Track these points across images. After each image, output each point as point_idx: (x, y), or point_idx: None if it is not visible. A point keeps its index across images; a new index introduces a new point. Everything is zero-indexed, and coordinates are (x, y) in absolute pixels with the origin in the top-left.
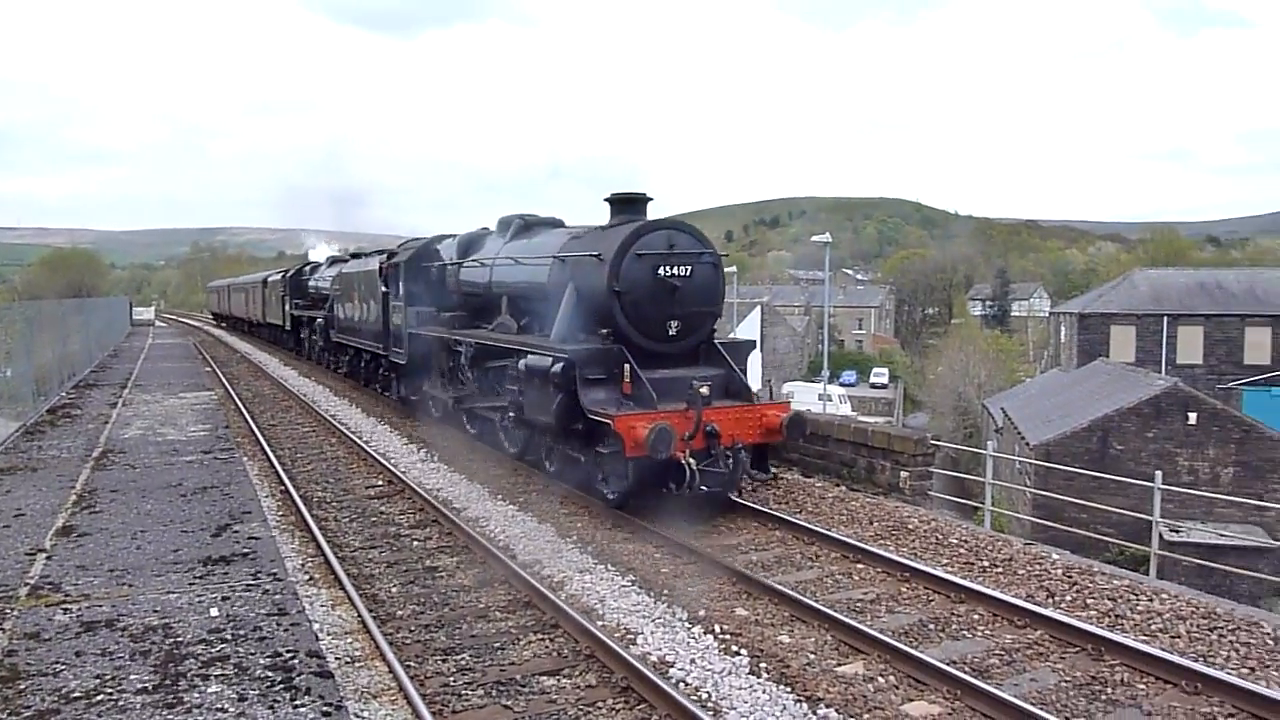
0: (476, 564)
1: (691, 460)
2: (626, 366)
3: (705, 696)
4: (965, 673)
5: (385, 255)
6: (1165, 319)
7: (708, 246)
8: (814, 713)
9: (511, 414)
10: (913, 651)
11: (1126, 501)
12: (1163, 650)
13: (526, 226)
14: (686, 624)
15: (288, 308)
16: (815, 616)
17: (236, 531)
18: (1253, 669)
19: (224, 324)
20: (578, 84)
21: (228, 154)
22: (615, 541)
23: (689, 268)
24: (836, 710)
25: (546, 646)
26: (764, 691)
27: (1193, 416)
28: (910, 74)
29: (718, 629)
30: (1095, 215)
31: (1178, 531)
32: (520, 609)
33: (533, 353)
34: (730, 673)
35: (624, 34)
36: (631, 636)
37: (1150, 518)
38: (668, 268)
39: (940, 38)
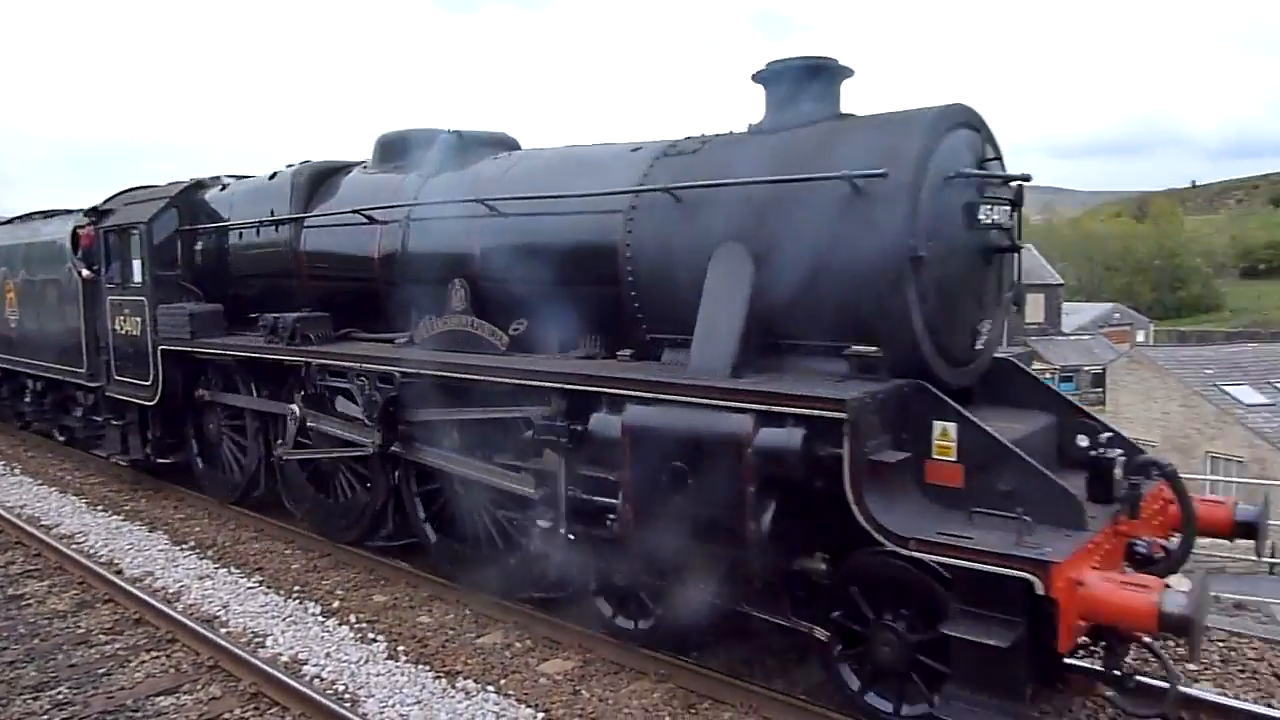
0: (74, 585)
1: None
2: (945, 428)
3: (342, 689)
4: (598, 631)
5: (86, 215)
6: None
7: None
8: (453, 686)
9: (552, 521)
10: (545, 616)
11: None
12: None
13: (464, 147)
14: (320, 618)
15: None
16: (451, 594)
17: None
18: None
19: None
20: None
21: None
22: (240, 542)
23: (1007, 209)
24: (475, 680)
25: (162, 664)
26: (403, 674)
27: None
28: (536, 57)
29: (354, 619)
30: None
31: None
32: (130, 627)
33: (676, 399)
34: (367, 660)
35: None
36: (260, 639)
37: None
38: (989, 209)
39: (559, 27)
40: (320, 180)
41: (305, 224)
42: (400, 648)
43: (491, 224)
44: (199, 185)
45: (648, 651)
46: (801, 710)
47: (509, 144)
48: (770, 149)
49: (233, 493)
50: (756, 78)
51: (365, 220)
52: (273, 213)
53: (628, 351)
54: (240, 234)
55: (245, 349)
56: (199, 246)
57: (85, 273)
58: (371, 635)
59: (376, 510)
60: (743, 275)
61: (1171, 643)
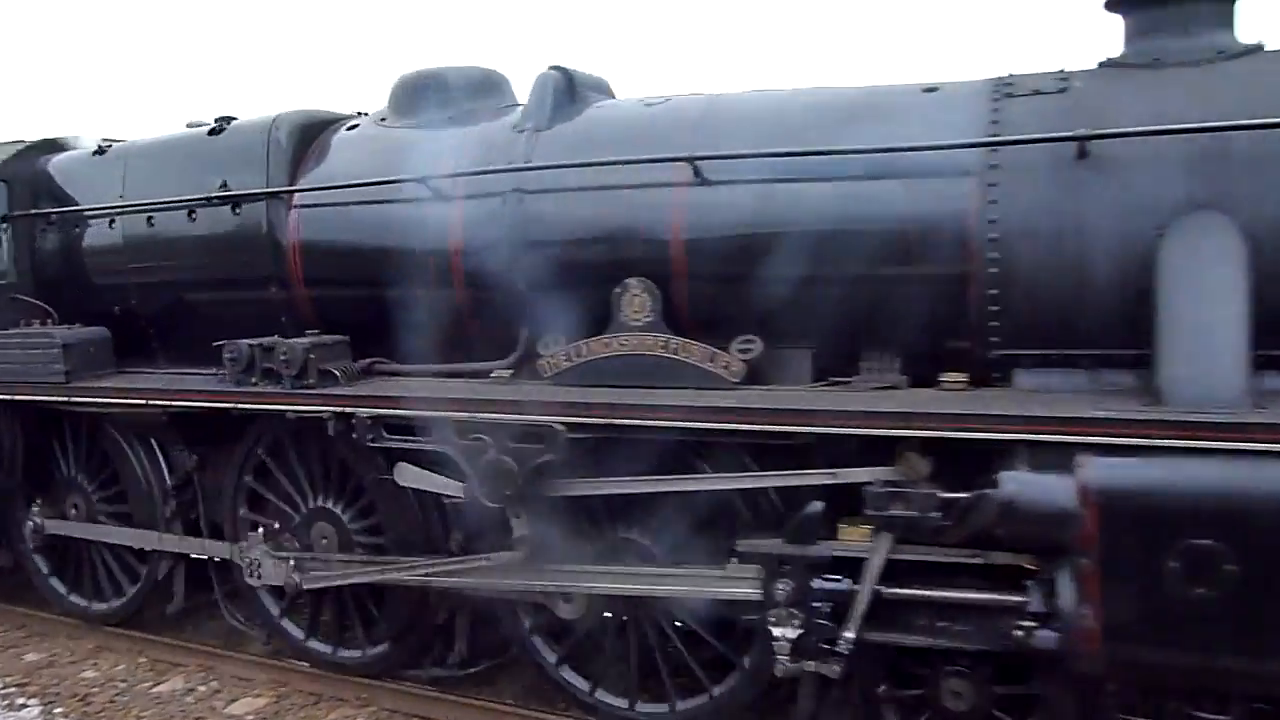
0: None
1: None
2: None
3: None
4: (289, 660)
5: None
6: None
7: None
8: None
9: (801, 629)
10: (234, 654)
11: None
12: None
13: (572, 92)
14: None
15: None
16: (123, 643)
17: None
18: None
19: None
20: None
21: None
22: None
23: None
24: None
25: None
26: None
27: None
28: None
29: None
30: None
31: None
32: None
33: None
34: None
35: None
36: None
37: None
38: None
39: None
40: (312, 136)
41: (297, 201)
42: (58, 710)
43: (704, 196)
44: (38, 149)
45: (344, 676)
46: (509, 715)
47: (607, 89)
48: (1205, 85)
49: (114, 611)
50: (1111, 5)
51: (430, 194)
52: (224, 185)
53: (960, 376)
54: (150, 219)
55: (213, 396)
56: (47, 242)
57: None
58: (21, 700)
59: (434, 626)
60: (1235, 260)
61: None
